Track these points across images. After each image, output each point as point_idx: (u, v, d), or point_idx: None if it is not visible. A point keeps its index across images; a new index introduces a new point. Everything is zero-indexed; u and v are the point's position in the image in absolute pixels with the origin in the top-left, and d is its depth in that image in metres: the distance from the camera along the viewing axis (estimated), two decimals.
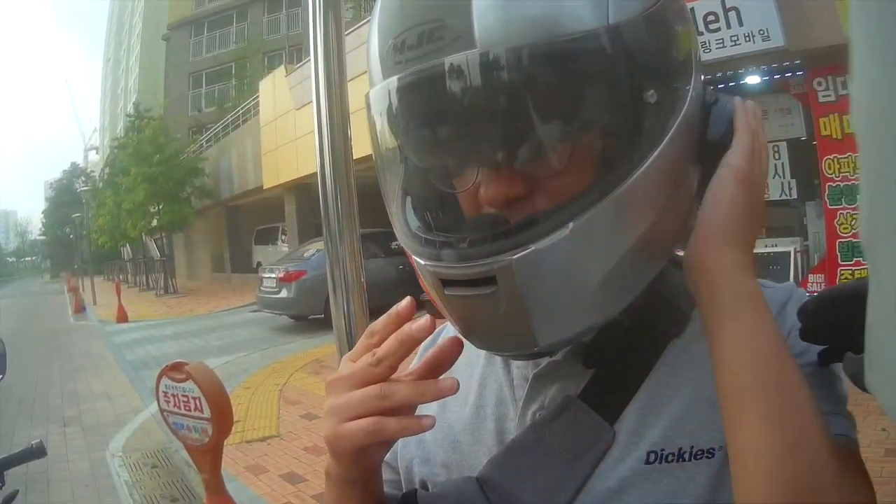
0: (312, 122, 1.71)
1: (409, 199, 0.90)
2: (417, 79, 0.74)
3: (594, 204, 0.73)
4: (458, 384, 0.74)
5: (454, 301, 0.79)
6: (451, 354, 0.80)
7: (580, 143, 0.76)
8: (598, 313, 0.80)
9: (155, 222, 33.09)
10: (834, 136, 9.73)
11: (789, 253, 8.48)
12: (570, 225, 0.73)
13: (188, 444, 4.27)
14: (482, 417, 0.96)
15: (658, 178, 0.76)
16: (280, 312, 16.50)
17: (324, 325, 14.49)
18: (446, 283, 0.78)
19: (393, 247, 15.75)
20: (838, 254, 9.79)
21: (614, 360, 0.88)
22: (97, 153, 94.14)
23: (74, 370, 14.32)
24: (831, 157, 9.75)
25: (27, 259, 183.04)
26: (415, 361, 0.90)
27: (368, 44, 0.82)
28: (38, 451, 2.58)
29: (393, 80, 0.77)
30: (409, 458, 1.01)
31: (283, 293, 15.51)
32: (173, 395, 4.18)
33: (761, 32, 8.95)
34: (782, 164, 10.75)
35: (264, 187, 24.96)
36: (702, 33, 9.35)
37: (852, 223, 9.63)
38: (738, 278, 0.75)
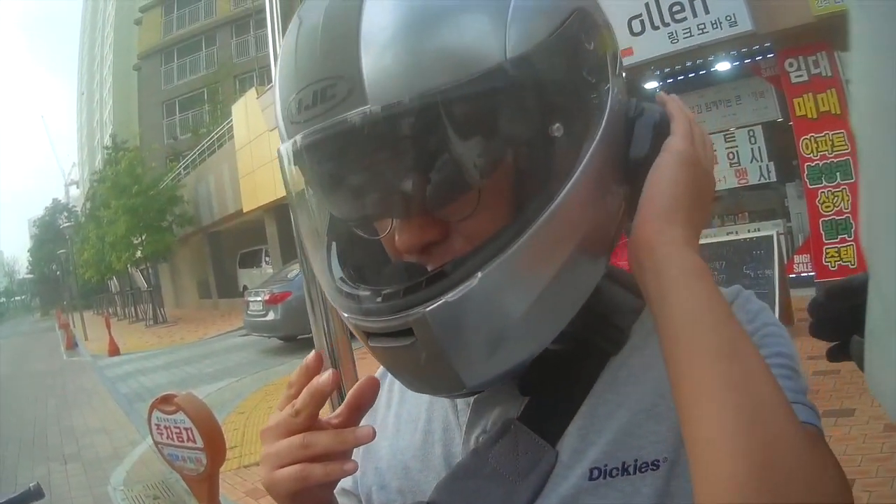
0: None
1: (328, 251, 0.90)
2: (315, 139, 0.73)
3: (505, 248, 0.72)
4: (374, 432, 0.78)
5: (378, 351, 0.81)
6: (370, 395, 0.83)
7: (485, 185, 0.74)
8: (527, 348, 0.80)
9: (139, 253, 33.12)
10: (809, 116, 9.81)
11: (772, 236, 8.49)
12: (479, 274, 0.72)
13: (184, 475, 4.23)
14: (430, 443, 0.96)
15: (573, 209, 0.74)
16: (269, 335, 16.45)
17: (313, 344, 14.46)
18: (369, 334, 0.80)
19: None
20: (822, 232, 9.88)
21: (552, 383, 0.87)
22: (78, 188, 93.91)
23: (70, 406, 14.26)
24: (808, 136, 9.84)
25: (17, 298, 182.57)
26: None
27: (275, 100, 0.81)
28: (35, 493, 2.56)
29: (295, 140, 0.76)
30: (368, 485, 1.01)
31: (271, 315, 15.42)
32: (165, 427, 4.14)
33: (728, 18, 9.04)
34: (759, 147, 10.87)
35: (244, 210, 24.96)
36: (668, 24, 9.44)
37: (834, 201, 9.70)
38: (685, 252, 0.73)
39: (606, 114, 0.77)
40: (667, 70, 10.70)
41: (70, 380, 18.76)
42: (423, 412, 1.00)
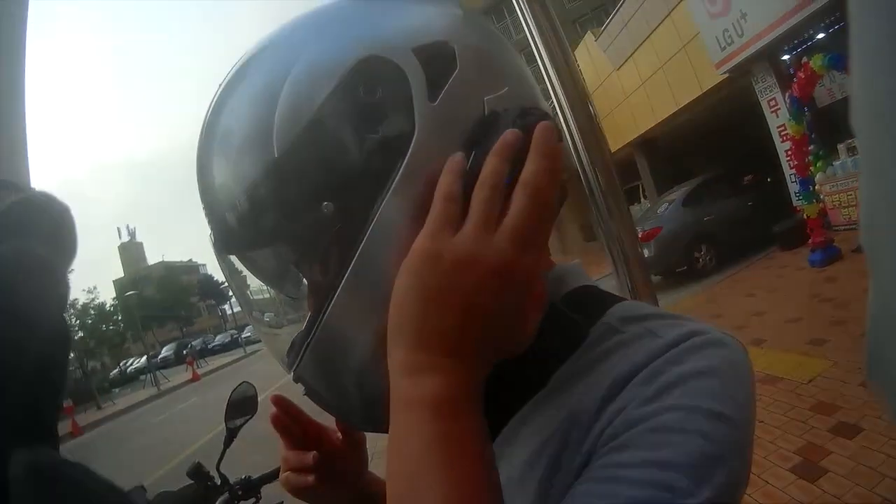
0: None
1: None
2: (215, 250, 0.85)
3: (319, 319, 0.75)
4: (314, 456, 1.01)
5: None
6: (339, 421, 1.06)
7: (312, 265, 0.79)
8: None
9: None
10: None
11: None
12: (306, 345, 0.77)
13: None
14: None
15: (370, 274, 0.72)
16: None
17: (689, 276, 14.37)
18: None
19: (744, 183, 15.14)
20: None
21: None
22: None
23: None
24: None
25: None
26: None
27: None
28: (273, 475, 2.80)
29: None
30: None
31: (645, 252, 14.96)
32: None
33: None
34: None
35: (612, 151, 24.84)
36: None
37: None
38: (398, 382, 0.66)
39: (404, 164, 0.71)
40: None
41: None
42: None
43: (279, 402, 1.03)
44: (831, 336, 6.99)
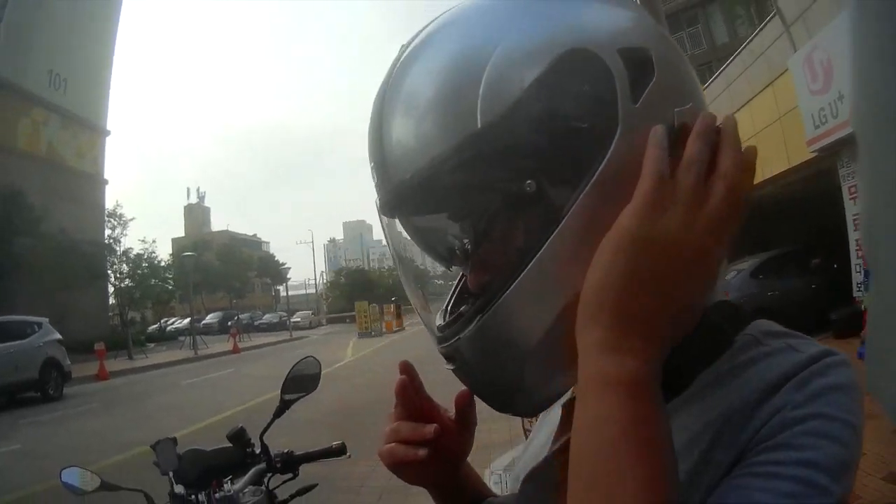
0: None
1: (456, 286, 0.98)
2: (381, 211, 0.87)
3: (498, 295, 0.76)
4: (435, 429, 0.96)
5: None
6: (464, 403, 1.01)
7: (489, 240, 0.79)
8: (556, 379, 0.81)
9: None
10: None
11: None
12: (477, 319, 0.78)
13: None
14: (545, 444, 1.01)
15: (562, 260, 0.73)
16: None
17: None
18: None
19: (812, 265, 15.02)
20: None
21: None
22: None
23: None
24: None
25: None
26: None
27: None
28: (338, 451, 2.65)
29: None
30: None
31: None
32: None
33: None
34: None
35: None
36: None
37: None
38: (595, 359, 0.68)
39: (606, 159, 0.72)
40: None
41: None
42: (557, 416, 1.02)
43: (407, 368, 1.01)
44: (866, 429, 6.90)
